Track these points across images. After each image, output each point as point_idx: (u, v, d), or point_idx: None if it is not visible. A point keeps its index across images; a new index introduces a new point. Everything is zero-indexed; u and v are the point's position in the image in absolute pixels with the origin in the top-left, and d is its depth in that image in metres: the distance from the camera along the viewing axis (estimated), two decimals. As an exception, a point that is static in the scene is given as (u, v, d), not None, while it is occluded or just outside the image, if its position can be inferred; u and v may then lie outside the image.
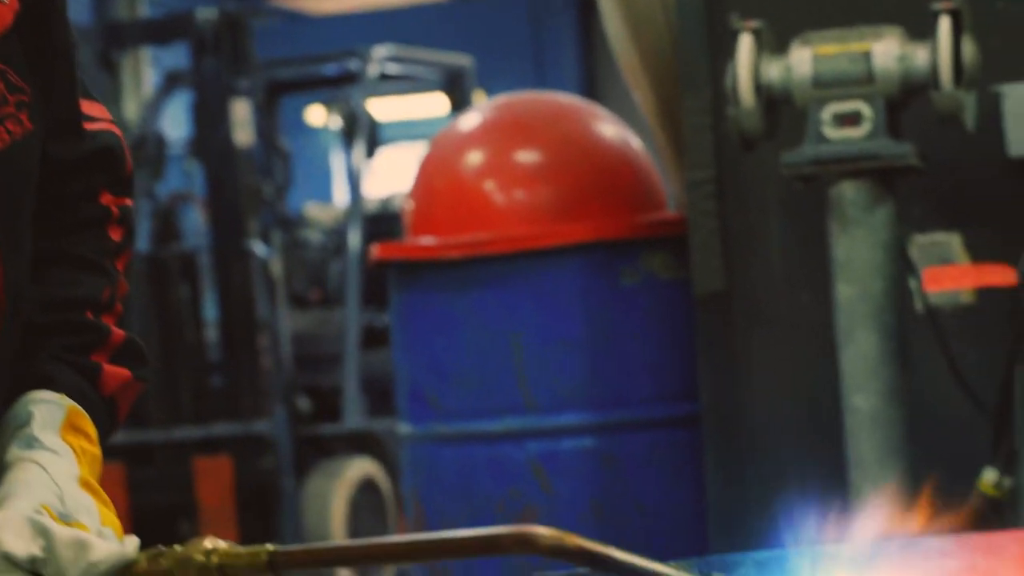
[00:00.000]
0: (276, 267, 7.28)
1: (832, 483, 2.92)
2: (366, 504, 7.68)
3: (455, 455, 3.68)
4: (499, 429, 3.61)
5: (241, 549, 1.08)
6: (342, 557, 1.06)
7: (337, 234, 8.15)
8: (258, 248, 7.21)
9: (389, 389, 7.05)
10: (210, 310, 7.58)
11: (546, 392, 3.57)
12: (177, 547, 1.10)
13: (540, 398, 3.57)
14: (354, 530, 7.58)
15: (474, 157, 3.67)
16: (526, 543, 0.94)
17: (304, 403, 7.74)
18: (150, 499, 6.94)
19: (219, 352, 7.41)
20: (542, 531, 0.94)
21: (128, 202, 1.45)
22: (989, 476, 2.71)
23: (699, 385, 3.45)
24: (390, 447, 7.33)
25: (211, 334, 7.59)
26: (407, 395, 3.76)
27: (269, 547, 1.07)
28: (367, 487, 7.57)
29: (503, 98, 3.91)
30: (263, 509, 7.12)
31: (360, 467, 7.52)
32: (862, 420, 2.87)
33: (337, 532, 7.32)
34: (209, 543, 1.08)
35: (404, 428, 3.80)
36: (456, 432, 3.66)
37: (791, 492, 3.10)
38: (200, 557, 1.07)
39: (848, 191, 2.85)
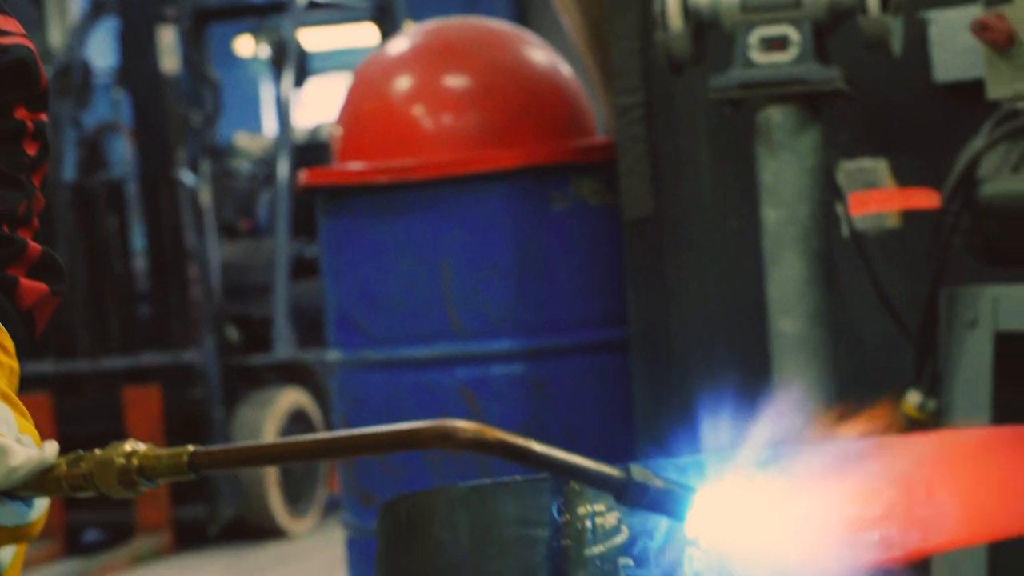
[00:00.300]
0: (204, 196, 7.23)
1: (759, 406, 2.94)
2: (296, 434, 7.68)
3: (384, 381, 3.68)
4: (428, 355, 3.61)
5: (162, 451, 1.07)
6: (262, 456, 1.06)
7: (266, 164, 8.11)
8: (186, 177, 7.16)
9: (319, 320, 7.02)
10: (138, 240, 7.53)
11: (475, 318, 3.57)
12: (97, 451, 1.09)
13: (469, 324, 3.57)
14: (284, 460, 7.57)
15: (403, 82, 3.65)
16: (446, 437, 0.95)
17: (233, 333, 7.72)
18: (79, 429, 6.90)
19: (147, 282, 7.37)
20: (462, 424, 0.94)
21: (43, 116, 1.43)
22: (913, 398, 2.74)
23: (628, 310, 3.46)
24: (320, 377, 7.33)
25: (139, 264, 7.55)
26: (336, 321, 3.75)
27: (190, 448, 1.07)
28: (297, 417, 7.57)
29: (432, 23, 3.89)
30: (193, 439, 7.10)
31: (290, 397, 7.51)
32: (788, 343, 2.89)
33: (267, 462, 7.31)
34: (129, 446, 1.07)
35: (333, 354, 3.79)
36: (385, 358, 3.66)
37: (718, 415, 3.11)
38: (120, 460, 1.07)
39: (775, 115, 2.86)
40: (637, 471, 1.01)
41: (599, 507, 1.06)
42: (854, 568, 0.92)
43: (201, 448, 1.06)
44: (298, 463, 1.08)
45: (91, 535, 7.67)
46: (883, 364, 3.07)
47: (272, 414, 7.39)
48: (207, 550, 7.27)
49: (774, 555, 0.95)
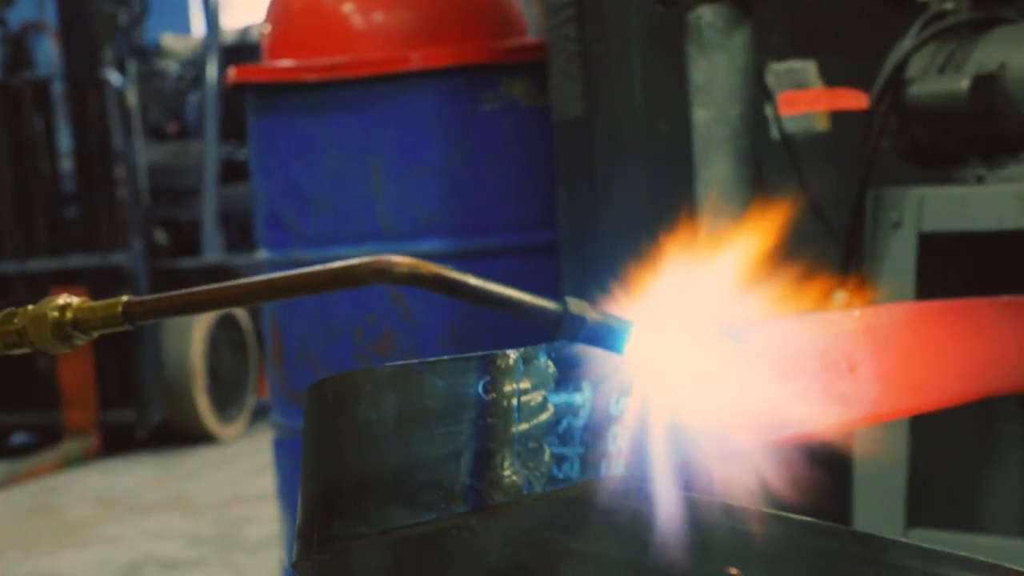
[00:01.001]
0: (131, 97, 7.17)
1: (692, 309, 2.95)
2: (225, 338, 7.67)
3: (314, 281, 3.67)
4: (357, 255, 3.60)
5: (96, 303, 1.06)
6: (197, 303, 1.04)
7: (194, 65, 8.04)
8: (113, 77, 7.09)
9: (248, 224, 7.01)
10: (64, 140, 7.46)
11: (405, 218, 3.56)
12: (30, 307, 1.08)
13: (399, 224, 3.56)
14: (213, 364, 7.56)
15: (333, -22, 3.62)
16: (381, 272, 0.94)
17: (162, 236, 7.68)
18: (5, 331, 6.86)
19: (74, 183, 7.31)
20: (397, 259, 0.93)
21: None
22: (839, 298, 2.76)
23: (557, 212, 3.46)
24: (249, 281, 7.31)
25: (66, 165, 7.48)
26: (265, 221, 3.74)
27: (124, 298, 1.05)
28: (226, 321, 7.55)
29: (363, -80, 3.85)
30: (121, 342, 7.07)
31: (219, 301, 7.49)
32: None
33: (196, 366, 7.30)
34: (63, 299, 1.06)
35: (263, 254, 3.78)
36: (315, 258, 3.65)
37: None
38: (54, 313, 1.06)
39: (706, 15, 2.85)
40: (574, 303, 1.00)
41: (525, 385, 1.06)
42: (776, 442, 0.94)
43: (135, 297, 1.05)
44: (235, 306, 1.06)
45: (19, 438, 7.64)
46: (810, 265, 3.09)
47: (200, 318, 7.36)
48: (135, 454, 7.26)
49: (698, 421, 0.96)
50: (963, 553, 1.22)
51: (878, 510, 2.74)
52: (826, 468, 1.10)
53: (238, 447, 7.39)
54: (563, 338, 0.97)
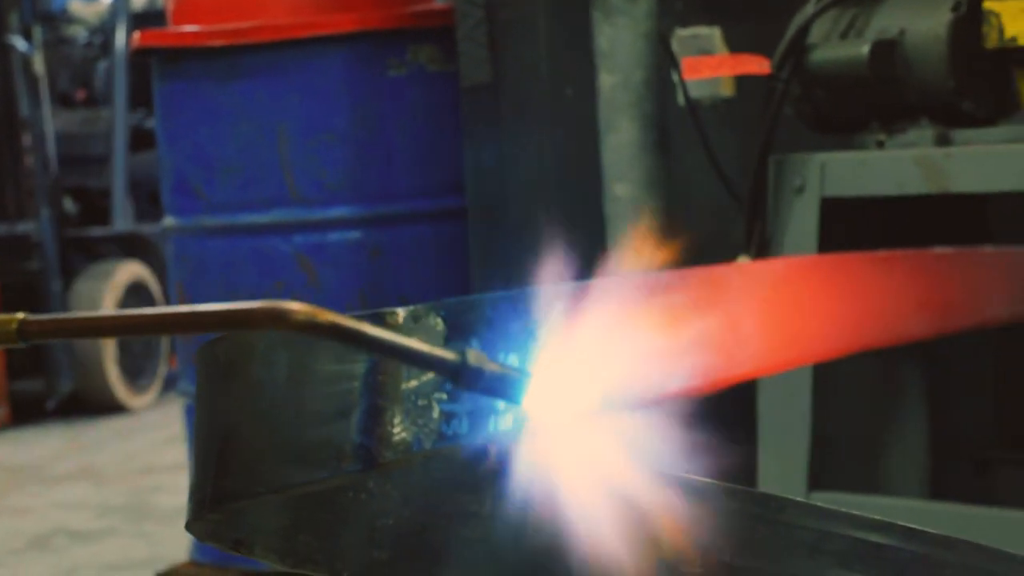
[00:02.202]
0: (38, 64, 7.09)
1: (594, 272, 2.97)
2: (136, 307, 7.61)
3: (221, 248, 3.66)
4: (265, 221, 3.59)
5: None
6: (92, 328, 1.03)
7: (103, 31, 7.96)
8: (19, 43, 7.00)
9: (158, 192, 6.94)
10: (-30, 107, 7.36)
11: (312, 184, 3.55)
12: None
13: (306, 190, 3.55)
14: (123, 333, 7.51)
15: (239, -57, 3.60)
16: (278, 318, 0.93)
17: (70, 205, 7.61)
18: (-90, 301, 6.78)
19: (-20, 151, 7.23)
20: (295, 307, 0.92)
21: None
22: (742, 261, 2.78)
23: (464, 178, 3.47)
24: (160, 250, 7.26)
25: (-29, 133, 7.39)
26: (172, 187, 3.72)
27: (20, 315, 1.03)
28: (136, 290, 7.50)
29: None
30: (29, 311, 7.00)
31: (129, 270, 7.44)
32: (622, 208, 2.92)
33: (106, 335, 7.25)
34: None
35: (169, 221, 3.76)
36: (222, 224, 3.64)
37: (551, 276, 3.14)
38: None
39: (611, -20, 2.86)
40: (472, 355, 1.00)
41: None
42: (660, 397, 0.94)
43: (32, 316, 1.03)
44: (130, 336, 1.06)
45: (-75, 409, 7.56)
46: (714, 229, 3.11)
47: (110, 287, 7.31)
48: (45, 424, 7.21)
49: (584, 384, 0.96)
50: (857, 512, 1.24)
51: (781, 473, 2.77)
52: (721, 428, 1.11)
53: (149, 417, 7.35)
54: (461, 388, 0.98)
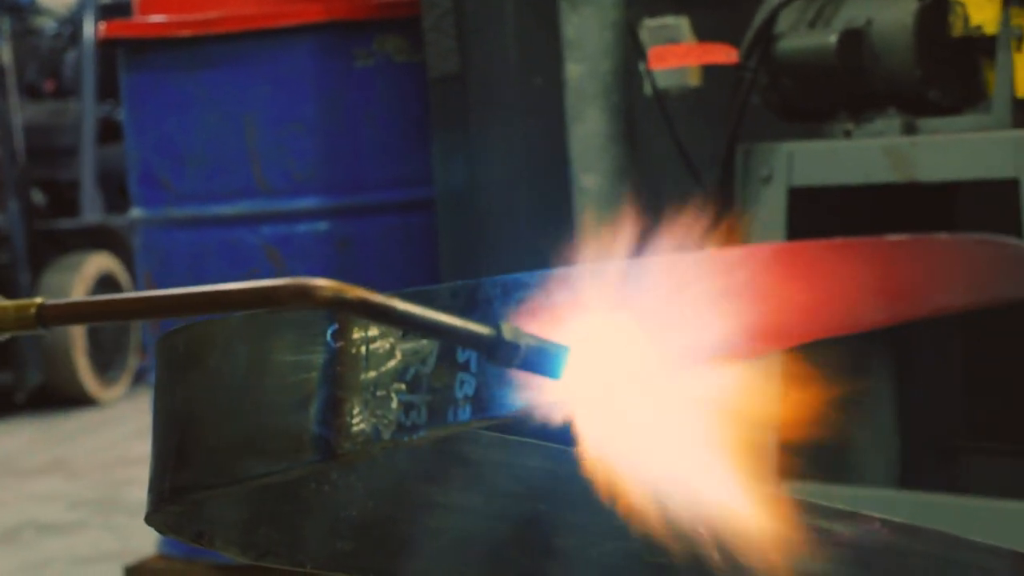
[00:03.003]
0: (6, 55, 7.05)
1: (563, 261, 2.96)
2: (105, 299, 7.58)
3: (189, 239, 3.64)
4: (233, 212, 3.58)
5: (8, 302, 1.01)
6: (111, 311, 1.02)
7: (72, 22, 7.92)
8: (-14, 35, 6.97)
9: (127, 184, 6.90)
10: (-63, 99, 7.32)
11: (280, 175, 3.54)
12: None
13: (274, 181, 3.54)
14: (91, 326, 7.49)
15: (205, -67, 3.58)
16: (304, 295, 0.91)
17: (39, 197, 7.58)
18: None
19: (-53, 143, 7.19)
20: (321, 283, 0.90)
21: None
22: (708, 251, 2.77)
23: (433, 168, 3.46)
24: (129, 242, 7.24)
25: (-61, 124, 7.35)
26: (139, 178, 3.70)
27: (38, 300, 1.01)
28: (105, 282, 7.47)
29: None
30: (-2, 304, 6.97)
31: (98, 262, 7.41)
32: (590, 199, 2.91)
33: (77, 328, 7.23)
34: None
35: (137, 212, 3.75)
36: (189, 216, 3.62)
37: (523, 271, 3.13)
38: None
39: (578, -30, 2.86)
40: (508, 329, 0.96)
41: (373, 332, 1.05)
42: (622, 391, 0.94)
43: (50, 301, 1.01)
44: (150, 319, 1.04)
45: None
46: (682, 219, 3.11)
47: (79, 279, 7.28)
48: (14, 417, 7.18)
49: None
50: (824, 502, 1.23)
51: (749, 463, 2.76)
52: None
53: (119, 410, 7.33)
54: (498, 365, 0.94)
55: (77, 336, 7.22)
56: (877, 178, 2.61)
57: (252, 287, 0.97)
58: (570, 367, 0.95)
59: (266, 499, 1.26)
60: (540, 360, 0.95)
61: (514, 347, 0.94)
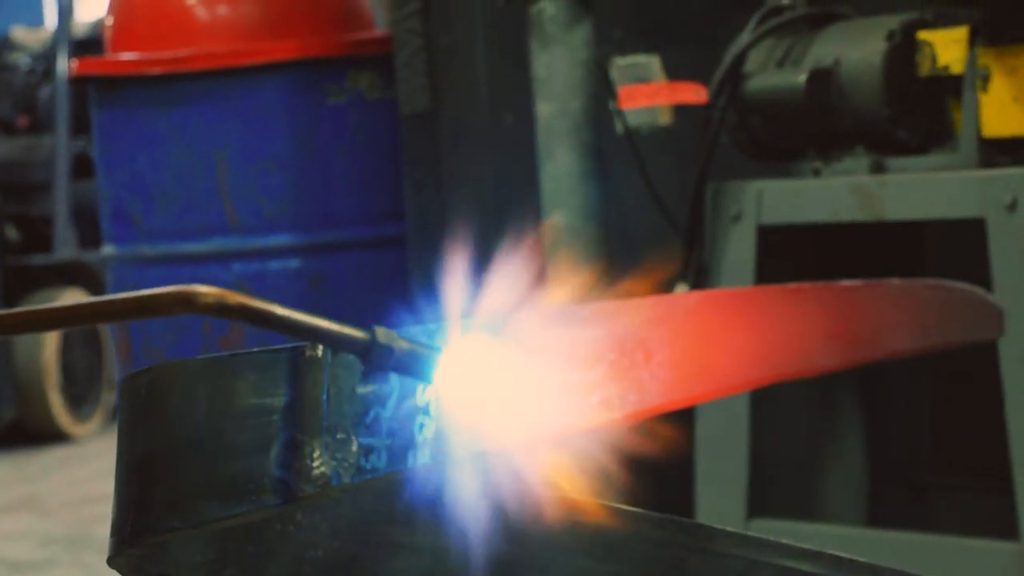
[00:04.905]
0: (-20, 90, 7.05)
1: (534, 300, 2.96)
2: (79, 335, 7.57)
3: (160, 276, 3.64)
4: (204, 250, 3.58)
5: None
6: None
7: (46, 58, 7.92)
8: (-40, 70, 6.97)
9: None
10: (-90, 135, 7.31)
11: (252, 212, 3.54)
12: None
13: (246, 218, 3.54)
14: (67, 361, 7.46)
15: (176, -29, 3.59)
16: (187, 302, 0.92)
17: (12, 232, 7.56)
18: None
19: (-79, 178, 7.18)
20: (203, 289, 0.92)
21: None
22: (680, 290, 2.79)
23: (404, 205, 3.46)
24: (103, 278, 7.22)
25: (-88, 160, 7.34)
26: (111, 215, 3.70)
27: None
28: (79, 317, 7.45)
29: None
30: (-30, 339, 6.96)
31: (71, 298, 7.39)
32: (561, 236, 2.92)
33: (50, 363, 7.21)
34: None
35: (108, 249, 3.74)
36: (161, 253, 3.62)
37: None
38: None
39: (548, 8, 2.87)
40: (381, 333, 0.99)
41: (335, 374, 1.06)
42: (575, 430, 0.94)
43: None
44: (35, 332, 1.04)
45: None
46: (653, 257, 3.12)
47: (53, 314, 7.26)
48: (-14, 453, 7.16)
49: (501, 416, 0.96)
50: (787, 541, 1.24)
51: (720, 501, 2.77)
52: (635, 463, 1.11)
53: (93, 446, 7.30)
54: (371, 368, 0.96)
55: (50, 371, 7.20)
56: (845, 217, 2.62)
57: (136, 296, 0.98)
58: (441, 371, 0.97)
59: (231, 540, 1.26)
60: (413, 363, 0.97)
61: (387, 350, 0.97)
